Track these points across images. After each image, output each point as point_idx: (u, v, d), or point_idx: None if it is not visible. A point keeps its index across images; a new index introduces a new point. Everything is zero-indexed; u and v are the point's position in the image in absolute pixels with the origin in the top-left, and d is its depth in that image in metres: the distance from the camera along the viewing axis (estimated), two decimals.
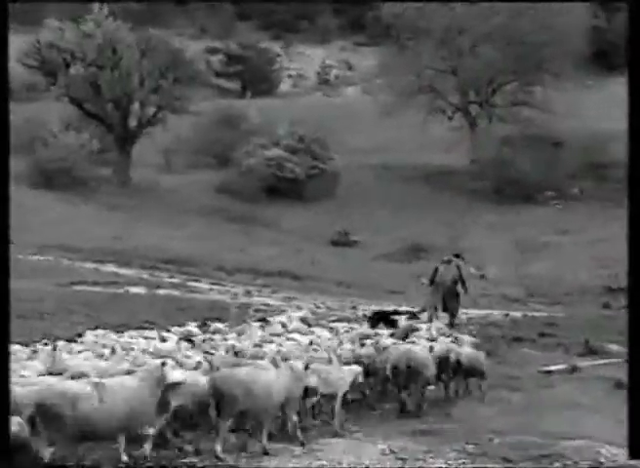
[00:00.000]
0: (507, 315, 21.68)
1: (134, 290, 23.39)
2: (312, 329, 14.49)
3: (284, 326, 14.39)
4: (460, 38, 48.85)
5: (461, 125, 48.98)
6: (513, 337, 17.60)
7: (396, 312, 18.88)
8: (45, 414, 7.33)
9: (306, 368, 9.43)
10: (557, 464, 8.61)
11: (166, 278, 26.95)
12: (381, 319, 18.20)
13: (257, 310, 20.01)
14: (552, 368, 14.10)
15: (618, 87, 62.18)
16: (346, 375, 10.21)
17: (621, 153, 50.05)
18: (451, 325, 18.51)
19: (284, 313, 17.56)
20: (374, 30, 60.60)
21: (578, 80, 47.50)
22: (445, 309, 18.90)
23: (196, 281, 26.88)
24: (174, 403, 8.54)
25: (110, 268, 27.93)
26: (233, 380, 8.47)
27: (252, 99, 66.19)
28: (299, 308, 19.93)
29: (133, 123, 44.96)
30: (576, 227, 36.95)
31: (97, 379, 7.91)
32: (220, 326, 14.65)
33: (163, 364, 8.21)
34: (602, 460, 8.68)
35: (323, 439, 9.39)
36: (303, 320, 15.56)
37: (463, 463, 8.61)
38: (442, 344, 11.97)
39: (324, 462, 8.48)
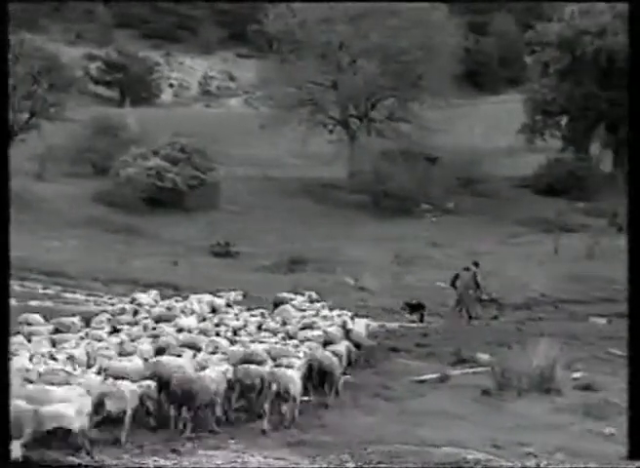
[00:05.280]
0: (383, 326, 22.10)
1: None
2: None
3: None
4: (340, 53, 49.72)
5: (341, 138, 49.76)
6: (389, 348, 17.96)
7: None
8: None
9: None
10: None
11: (39, 289, 26.11)
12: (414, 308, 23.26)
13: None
14: (425, 377, 14.56)
15: (487, 106, 64.77)
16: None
17: (493, 169, 51.59)
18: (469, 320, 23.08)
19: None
20: (256, 42, 60.83)
21: (451, 98, 49.23)
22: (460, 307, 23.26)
23: (72, 292, 26.19)
24: None
25: None
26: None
27: (131, 108, 65.10)
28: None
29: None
30: (450, 240, 38.08)
31: None
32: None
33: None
34: (469, 466, 9.07)
35: (203, 451, 9.37)
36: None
37: None
38: None
39: None
